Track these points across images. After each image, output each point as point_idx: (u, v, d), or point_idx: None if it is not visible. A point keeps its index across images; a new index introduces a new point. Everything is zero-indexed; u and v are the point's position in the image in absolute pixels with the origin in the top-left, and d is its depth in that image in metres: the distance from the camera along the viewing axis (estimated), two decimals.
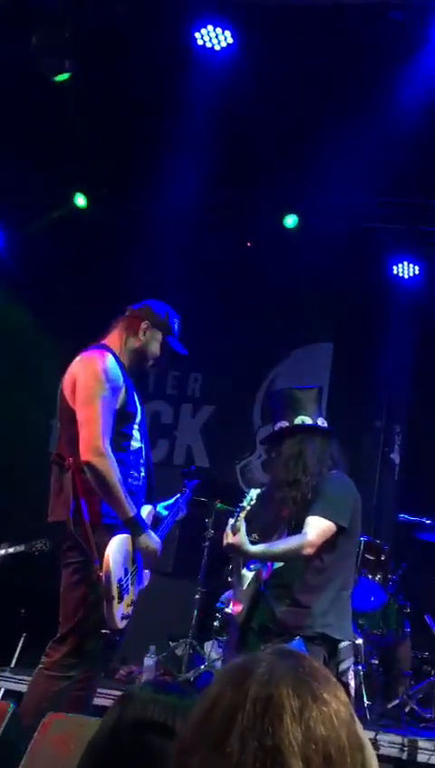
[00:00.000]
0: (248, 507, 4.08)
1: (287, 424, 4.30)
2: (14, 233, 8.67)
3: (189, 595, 7.05)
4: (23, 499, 7.94)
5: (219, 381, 8.94)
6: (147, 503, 4.45)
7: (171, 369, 8.89)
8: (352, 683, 4.36)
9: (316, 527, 4.06)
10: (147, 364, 4.55)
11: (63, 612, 4.16)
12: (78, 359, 4.30)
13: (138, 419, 4.36)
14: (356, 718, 1.25)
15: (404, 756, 5.40)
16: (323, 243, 8.00)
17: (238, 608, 4.32)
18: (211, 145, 7.24)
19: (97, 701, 4.56)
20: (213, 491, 7.02)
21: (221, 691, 1.22)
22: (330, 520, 4.09)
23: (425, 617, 6.61)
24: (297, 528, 4.11)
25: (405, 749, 5.43)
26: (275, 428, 4.38)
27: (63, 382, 4.29)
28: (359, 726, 1.25)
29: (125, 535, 4.10)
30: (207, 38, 6.79)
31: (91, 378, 4.18)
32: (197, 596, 6.96)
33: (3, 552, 6.45)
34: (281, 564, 4.25)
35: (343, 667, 4.03)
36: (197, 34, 6.80)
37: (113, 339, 4.46)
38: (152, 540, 4.23)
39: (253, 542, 4.14)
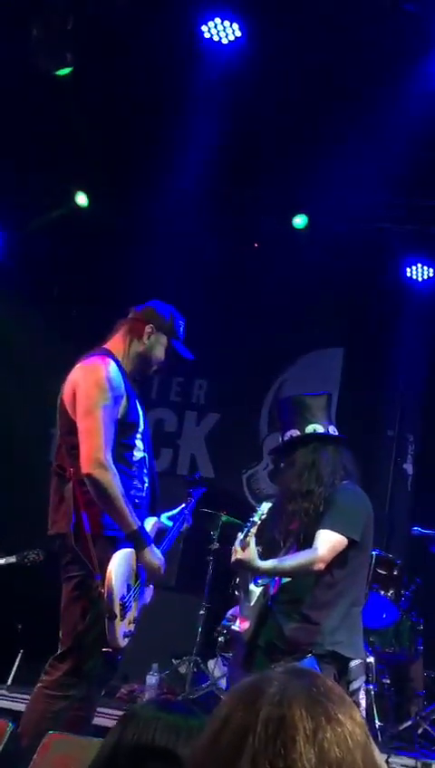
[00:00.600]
0: (259, 522, 4.00)
1: (298, 432, 4.23)
2: (13, 233, 8.67)
3: (194, 610, 6.94)
4: (16, 509, 7.89)
5: (225, 388, 8.89)
6: (151, 514, 4.39)
7: (175, 375, 8.89)
8: (363, 703, 4.40)
9: (327, 541, 3.97)
10: (151, 369, 4.45)
11: (64, 628, 4.07)
12: (78, 366, 4.21)
13: (140, 428, 4.28)
14: (372, 740, 1.23)
15: None
16: (334, 244, 7.98)
17: (245, 624, 4.24)
18: (217, 142, 7.17)
19: (97, 720, 4.48)
20: (218, 502, 6.92)
21: (231, 711, 1.21)
22: (341, 533, 4.00)
23: None
24: (306, 541, 4.04)
25: None
26: (286, 437, 4.30)
27: (63, 390, 4.20)
28: (375, 749, 1.23)
29: (129, 550, 4.02)
30: (214, 31, 6.71)
31: (92, 386, 4.09)
32: (201, 611, 6.86)
33: None
34: (289, 579, 4.17)
35: (353, 686, 3.96)
36: (204, 27, 6.73)
37: (116, 343, 4.35)
38: (156, 555, 4.14)
39: (260, 557, 4.04)
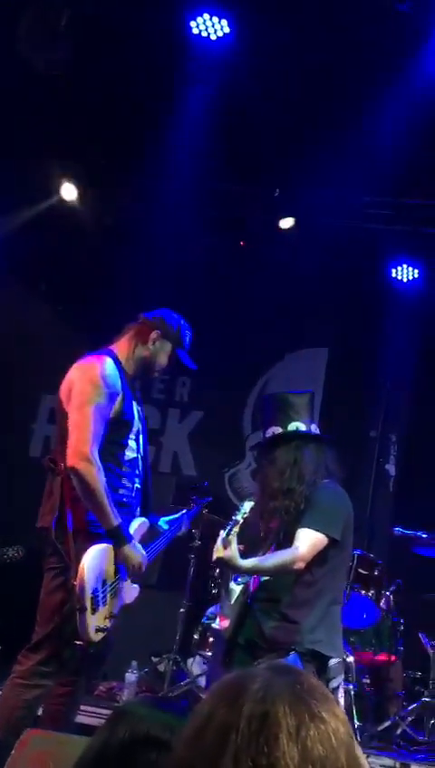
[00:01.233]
0: (242, 521, 3.96)
1: (280, 430, 4.20)
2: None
3: (174, 608, 6.89)
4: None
5: (208, 386, 8.79)
6: (142, 515, 4.41)
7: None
8: (342, 702, 4.37)
9: (308, 540, 3.95)
10: (152, 374, 4.58)
11: (40, 618, 4.08)
12: (76, 365, 4.29)
13: (134, 429, 4.33)
14: (355, 739, 1.19)
15: None
16: (319, 243, 7.92)
17: (225, 623, 4.26)
18: (205, 140, 7.16)
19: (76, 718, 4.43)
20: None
21: (214, 708, 1.19)
22: (321, 532, 3.97)
23: (419, 635, 6.50)
24: (286, 539, 4.02)
25: None
26: (268, 434, 4.27)
27: (61, 388, 4.26)
28: (358, 747, 1.24)
29: (105, 545, 4.03)
30: (202, 27, 6.67)
31: (87, 383, 4.16)
32: (181, 609, 6.81)
33: None
34: (269, 577, 4.14)
35: (332, 685, 3.91)
36: (192, 23, 6.69)
37: (122, 345, 4.44)
38: (136, 552, 4.13)
39: (241, 555, 4.00)
